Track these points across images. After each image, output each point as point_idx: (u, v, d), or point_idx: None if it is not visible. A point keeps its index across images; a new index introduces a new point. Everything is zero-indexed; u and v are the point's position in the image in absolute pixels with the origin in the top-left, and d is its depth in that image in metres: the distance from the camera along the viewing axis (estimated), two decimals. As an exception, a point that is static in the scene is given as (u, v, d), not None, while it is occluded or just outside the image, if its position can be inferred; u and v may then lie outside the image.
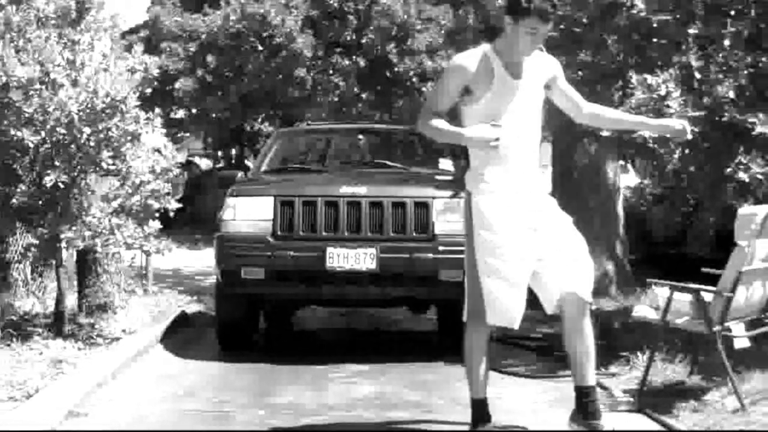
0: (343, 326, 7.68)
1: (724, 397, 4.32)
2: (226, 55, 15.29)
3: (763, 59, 5.37)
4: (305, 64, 15.35)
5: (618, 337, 5.80)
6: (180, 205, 6.27)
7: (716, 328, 4.24)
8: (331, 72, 15.74)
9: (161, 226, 6.03)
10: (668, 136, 4.43)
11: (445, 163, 6.87)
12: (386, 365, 5.61)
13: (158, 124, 5.92)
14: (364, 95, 16.14)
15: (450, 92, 3.75)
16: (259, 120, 19.99)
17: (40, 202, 5.66)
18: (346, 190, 5.81)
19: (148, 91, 6.03)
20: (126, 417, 4.37)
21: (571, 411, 3.80)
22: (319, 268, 5.62)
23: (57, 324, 5.89)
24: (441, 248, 5.63)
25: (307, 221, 5.71)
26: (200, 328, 7.08)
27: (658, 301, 4.55)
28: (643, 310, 4.77)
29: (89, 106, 5.50)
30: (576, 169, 8.39)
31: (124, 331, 6.23)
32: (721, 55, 5.32)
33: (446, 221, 5.70)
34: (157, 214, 6.02)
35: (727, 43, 5.31)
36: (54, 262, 6.04)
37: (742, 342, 4.39)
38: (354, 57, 15.61)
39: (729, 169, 5.23)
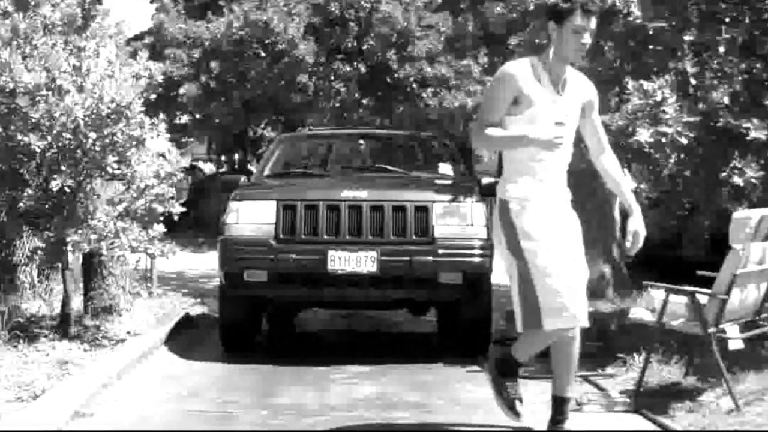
0: (345, 328, 7.72)
1: (719, 398, 4.36)
2: (230, 62, 15.37)
3: (758, 65, 5.42)
4: (307, 70, 15.44)
5: (615, 339, 5.83)
6: (184, 209, 6.27)
7: (711, 329, 4.29)
8: (332, 78, 15.82)
9: (165, 230, 6.04)
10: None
11: (445, 168, 6.91)
12: (387, 366, 5.65)
13: (163, 130, 5.95)
14: (364, 101, 16.20)
15: (504, 101, 3.66)
16: (262, 125, 20.01)
17: (47, 206, 5.70)
18: (347, 194, 5.84)
19: (153, 96, 6.10)
20: (131, 417, 4.40)
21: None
22: (320, 270, 5.66)
23: (63, 326, 5.93)
24: (440, 251, 5.68)
25: (309, 225, 5.75)
26: (204, 330, 7.11)
27: (654, 304, 4.60)
28: (640, 312, 4.80)
29: (95, 111, 5.55)
30: (573, 173, 8.41)
31: (129, 332, 6.27)
32: (716, 61, 5.38)
33: (446, 225, 5.75)
34: (161, 218, 6.04)
35: (721, 49, 5.36)
36: (60, 265, 6.09)
37: (736, 343, 4.42)
38: (355, 63, 15.70)
39: (724, 174, 5.27)
